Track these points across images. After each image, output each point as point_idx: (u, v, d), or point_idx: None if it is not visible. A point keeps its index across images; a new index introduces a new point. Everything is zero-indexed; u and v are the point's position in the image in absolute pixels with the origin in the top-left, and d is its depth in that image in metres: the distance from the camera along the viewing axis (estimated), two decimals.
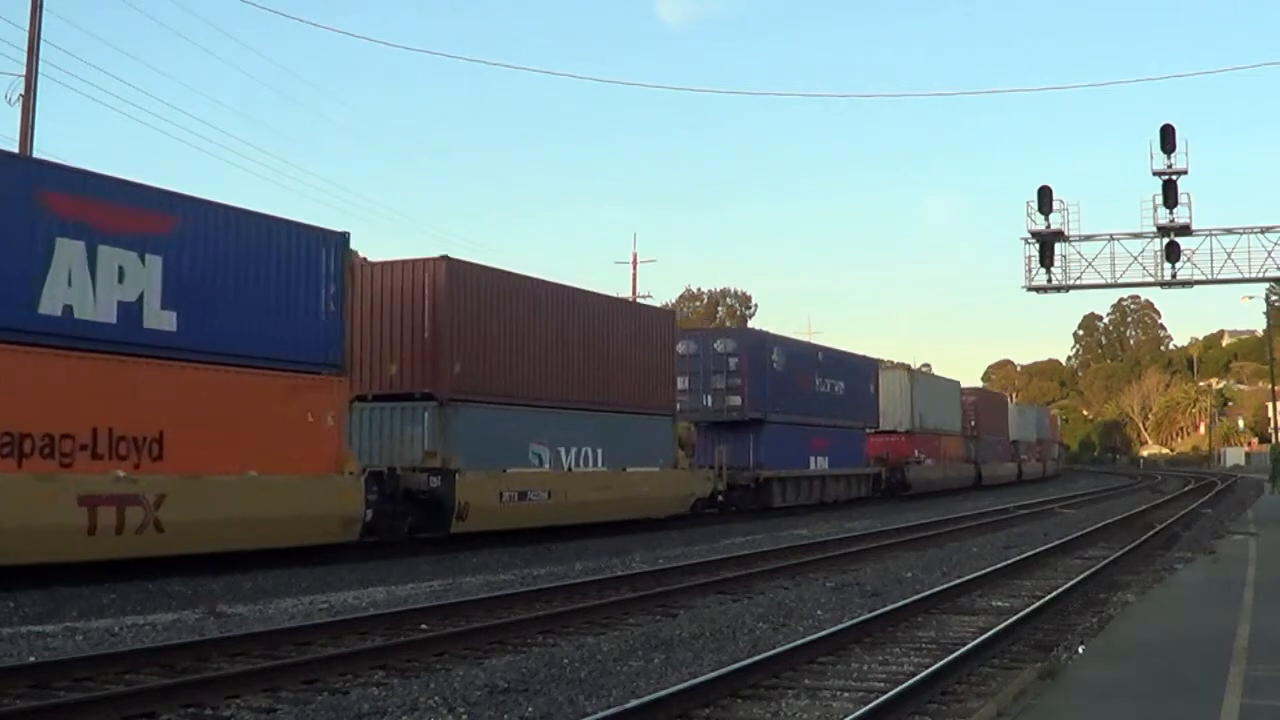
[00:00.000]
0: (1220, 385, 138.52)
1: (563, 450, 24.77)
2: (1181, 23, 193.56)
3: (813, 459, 38.21)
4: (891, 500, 44.48)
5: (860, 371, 44.05)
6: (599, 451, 25.96)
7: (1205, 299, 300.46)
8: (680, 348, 32.45)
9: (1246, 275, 27.42)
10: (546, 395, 24.59)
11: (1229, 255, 27.12)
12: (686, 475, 30.25)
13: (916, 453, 48.55)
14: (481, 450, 22.17)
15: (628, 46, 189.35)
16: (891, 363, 55.30)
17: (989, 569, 17.90)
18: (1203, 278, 27.48)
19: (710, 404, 34.79)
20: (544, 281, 25.60)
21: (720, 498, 32.20)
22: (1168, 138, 25.81)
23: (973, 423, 57.47)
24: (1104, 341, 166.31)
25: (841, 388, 41.00)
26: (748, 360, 35.14)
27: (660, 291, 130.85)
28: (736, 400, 34.60)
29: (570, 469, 24.96)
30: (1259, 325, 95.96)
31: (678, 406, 31.17)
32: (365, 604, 14.64)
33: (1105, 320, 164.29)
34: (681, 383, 32.38)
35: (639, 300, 52.86)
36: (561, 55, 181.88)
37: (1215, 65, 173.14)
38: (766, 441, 35.00)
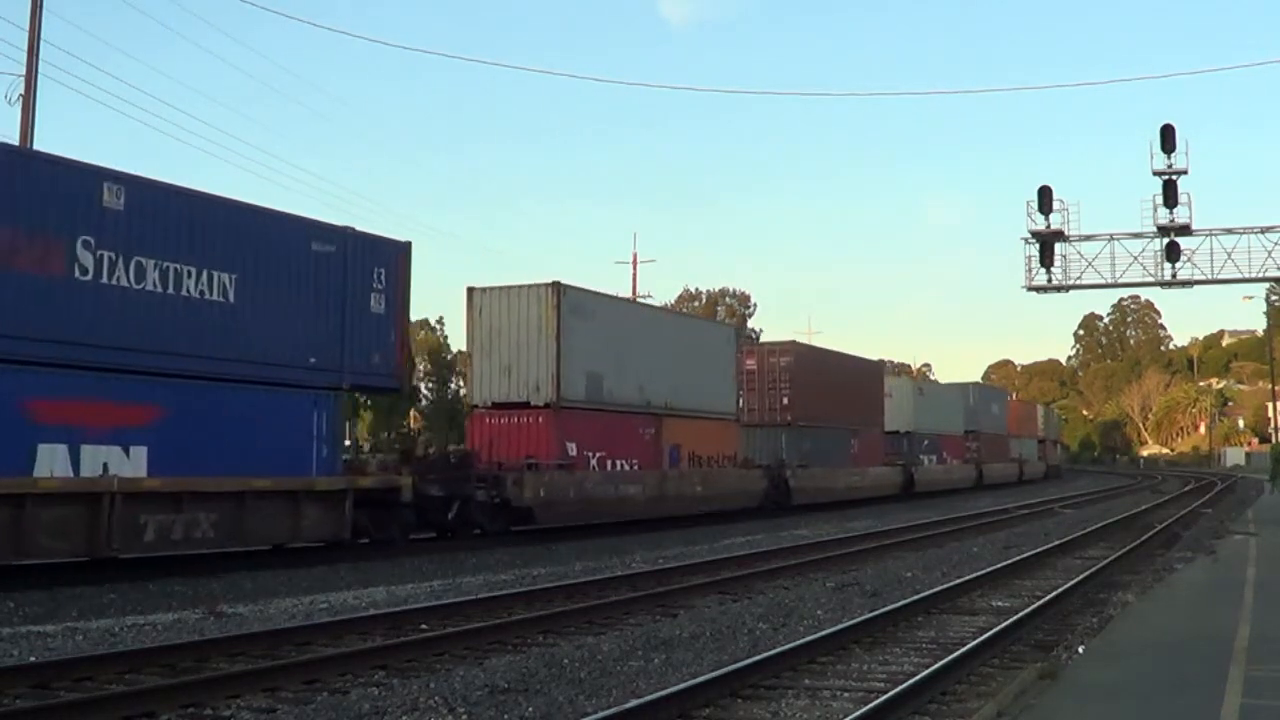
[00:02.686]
0: (1220, 385, 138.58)
1: None
2: (1181, 23, 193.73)
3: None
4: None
5: (291, 254, 19.56)
6: None
7: (1205, 299, 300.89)
8: None
9: (1246, 275, 27.43)
10: None
11: (1229, 255, 27.15)
12: None
13: (573, 448, 26.13)
14: None
15: (630, 46, 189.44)
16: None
17: (989, 569, 17.91)
18: (1203, 278, 27.50)
19: None
20: None
21: None
22: (1168, 138, 25.83)
23: (785, 400, 38.01)
24: (1104, 341, 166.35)
25: (206, 286, 18.00)
26: None
27: (660, 291, 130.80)
28: None
29: None
30: (1259, 325, 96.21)
31: None
32: (365, 604, 14.64)
33: (1105, 320, 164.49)
34: None
35: (639, 300, 52.37)
36: (564, 55, 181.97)
37: (1215, 65, 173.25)
38: None
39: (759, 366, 38.19)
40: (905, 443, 49.60)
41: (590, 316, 27.28)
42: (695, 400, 31.47)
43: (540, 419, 25.91)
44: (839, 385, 41.64)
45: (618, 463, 27.99)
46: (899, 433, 48.96)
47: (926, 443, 51.82)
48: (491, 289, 26.40)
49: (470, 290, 26.56)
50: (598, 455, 27.26)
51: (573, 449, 26.35)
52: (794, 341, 41.02)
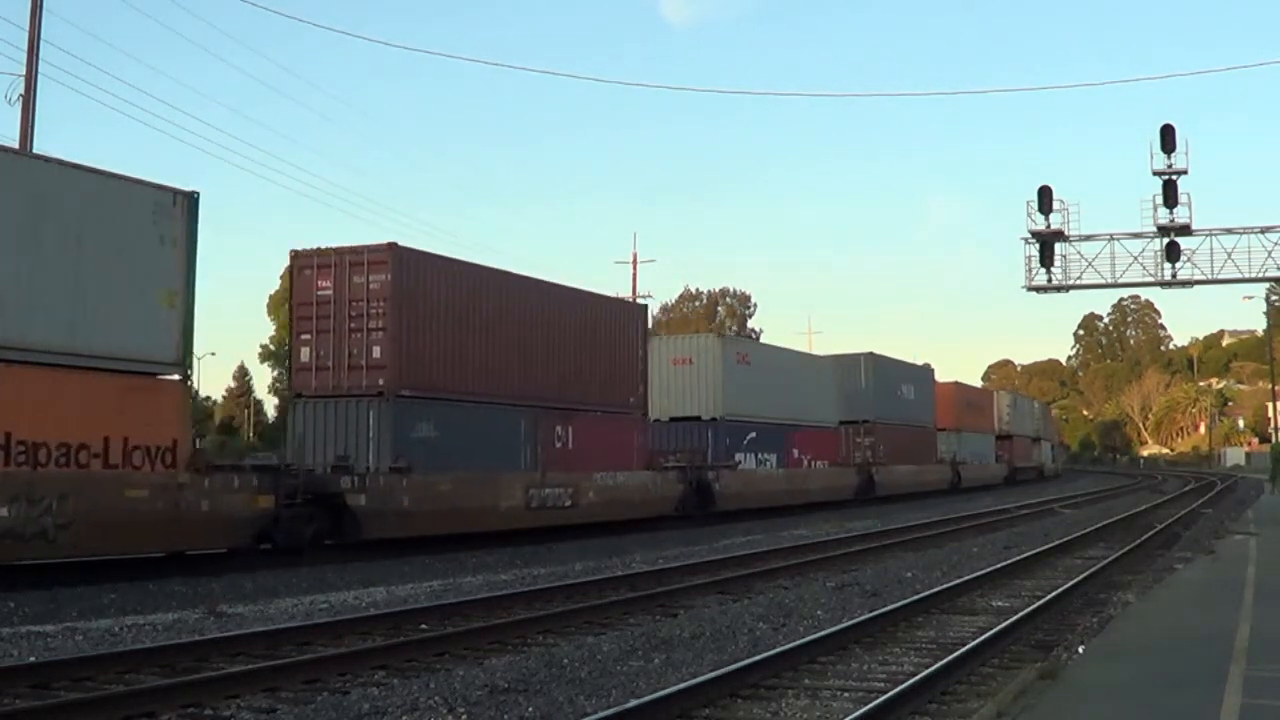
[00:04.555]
0: (1220, 385, 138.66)
1: None
2: (1181, 23, 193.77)
3: None
4: None
5: None
6: None
7: (1205, 299, 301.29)
8: None
9: (1246, 275, 27.42)
10: None
11: (1229, 255, 27.14)
12: None
13: None
14: None
15: (632, 47, 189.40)
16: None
17: (989, 569, 17.90)
18: (1203, 278, 27.48)
19: None
20: None
21: None
22: (1168, 138, 25.82)
23: (375, 352, 21.77)
24: (1104, 341, 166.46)
25: None
26: None
27: (660, 291, 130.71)
28: None
29: None
30: (1259, 325, 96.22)
31: None
32: (365, 604, 14.65)
33: (1105, 320, 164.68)
34: None
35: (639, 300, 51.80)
36: (566, 56, 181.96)
37: (1215, 65, 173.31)
38: None
39: (337, 290, 21.87)
40: (709, 435, 32.92)
41: None
42: (23, 327, 15.52)
43: None
44: (519, 330, 24.62)
45: None
46: (699, 420, 32.90)
47: (753, 435, 34.76)
48: None
49: None
50: None
51: None
52: (394, 245, 21.99)
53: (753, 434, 35.05)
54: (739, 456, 34.20)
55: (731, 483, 32.53)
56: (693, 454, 31.86)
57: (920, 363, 53.41)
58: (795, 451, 38.12)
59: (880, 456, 44.11)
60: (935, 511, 36.84)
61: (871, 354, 46.03)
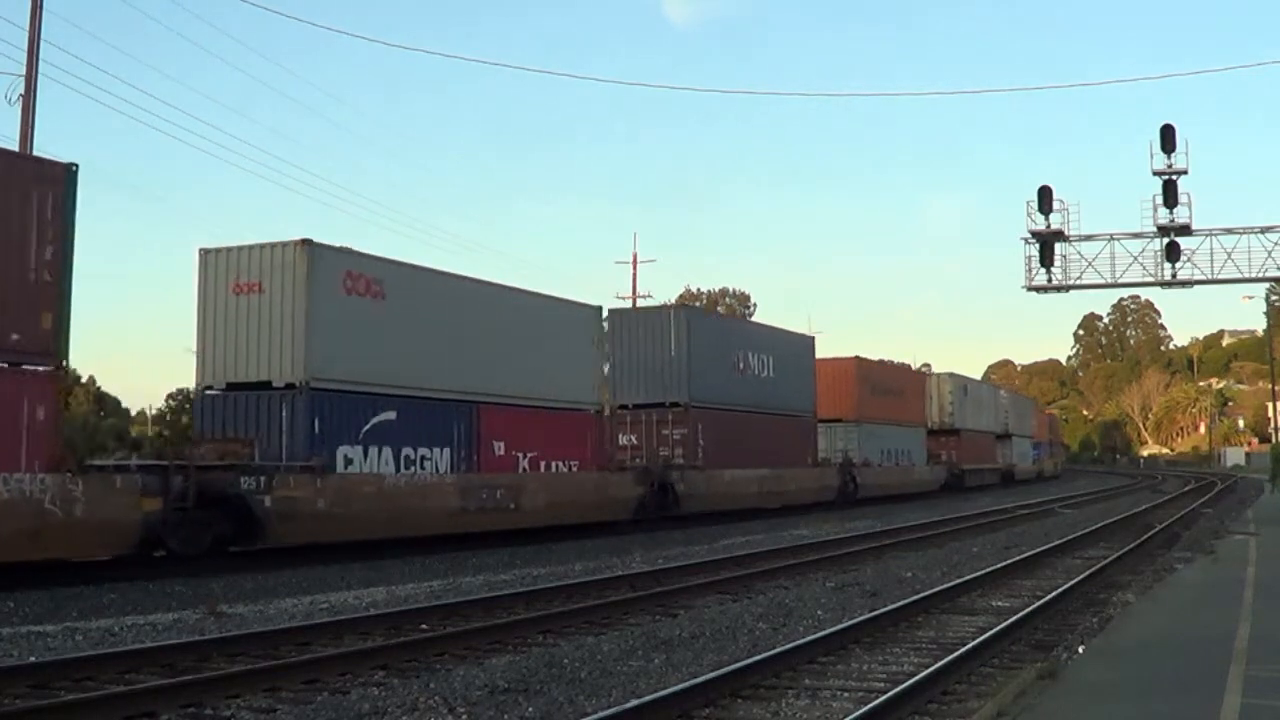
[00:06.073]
0: (1220, 385, 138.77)
1: None
2: (1181, 23, 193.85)
3: None
4: None
5: None
6: None
7: (1205, 299, 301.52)
8: None
9: (1246, 275, 27.41)
10: None
11: (1229, 255, 27.13)
12: None
13: None
14: None
15: (634, 47, 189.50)
16: None
17: (989, 569, 17.90)
18: (1203, 278, 27.47)
19: None
20: None
21: None
22: (1168, 138, 25.82)
23: None
24: (1104, 341, 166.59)
25: None
26: None
27: (660, 291, 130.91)
28: None
29: None
30: (1259, 325, 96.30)
31: None
32: (365, 604, 14.64)
33: (1105, 320, 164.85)
34: None
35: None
36: (566, 55, 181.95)
37: (1215, 65, 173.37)
38: None
39: None
40: (283, 413, 20.18)
41: None
42: None
43: None
44: None
45: None
46: (269, 387, 20.29)
47: (389, 417, 21.85)
48: None
49: None
50: None
51: None
52: None
53: (390, 414, 21.85)
54: (348, 451, 20.90)
55: (309, 497, 19.25)
56: (227, 446, 19.33)
57: (797, 330, 39.94)
58: (497, 446, 24.37)
59: (696, 456, 30.87)
60: (934, 512, 36.84)
61: (686, 307, 32.84)
